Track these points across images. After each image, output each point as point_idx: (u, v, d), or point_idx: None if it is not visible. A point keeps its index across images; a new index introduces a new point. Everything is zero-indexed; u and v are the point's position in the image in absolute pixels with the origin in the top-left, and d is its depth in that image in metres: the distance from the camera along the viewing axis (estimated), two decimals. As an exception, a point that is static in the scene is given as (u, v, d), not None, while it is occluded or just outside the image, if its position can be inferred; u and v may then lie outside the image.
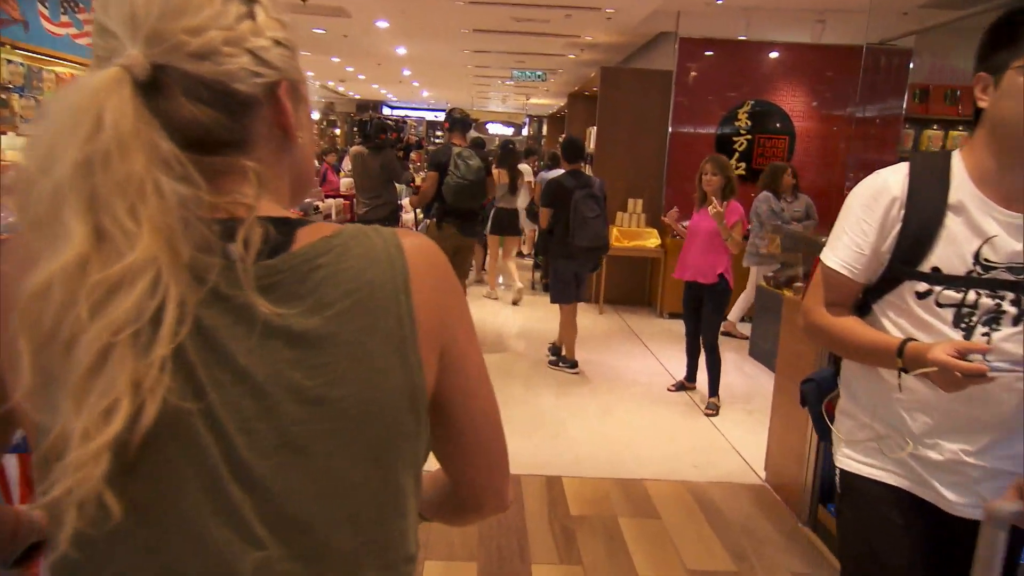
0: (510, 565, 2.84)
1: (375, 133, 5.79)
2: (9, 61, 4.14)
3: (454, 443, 0.76)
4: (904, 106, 6.81)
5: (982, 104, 1.34)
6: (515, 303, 7.58)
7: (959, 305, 1.37)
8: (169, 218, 0.56)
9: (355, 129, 9.40)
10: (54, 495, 0.53)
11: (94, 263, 0.54)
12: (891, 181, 1.41)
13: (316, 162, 6.82)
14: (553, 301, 5.28)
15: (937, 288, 1.37)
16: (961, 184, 1.37)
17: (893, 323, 1.44)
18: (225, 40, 0.61)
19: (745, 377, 5.43)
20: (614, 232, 7.51)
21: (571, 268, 5.11)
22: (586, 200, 4.96)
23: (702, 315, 4.68)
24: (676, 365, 5.36)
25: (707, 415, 4.57)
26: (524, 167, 9.52)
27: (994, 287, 1.35)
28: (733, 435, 4.26)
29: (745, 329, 6.35)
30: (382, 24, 9.34)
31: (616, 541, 3.04)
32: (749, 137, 7.49)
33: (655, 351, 5.99)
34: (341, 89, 20.82)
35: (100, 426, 0.53)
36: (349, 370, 0.62)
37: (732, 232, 4.50)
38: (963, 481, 1.39)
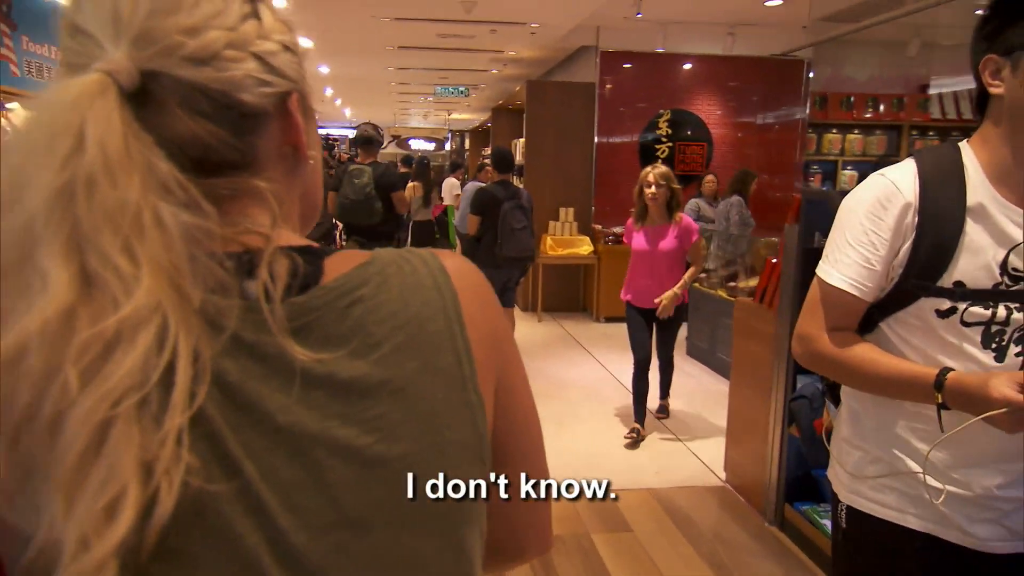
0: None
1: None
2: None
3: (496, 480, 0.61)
4: (807, 112, 6.99)
5: (995, 90, 1.11)
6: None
7: (988, 323, 1.14)
8: (173, 254, 0.44)
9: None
10: None
11: (82, 316, 0.41)
12: (901, 183, 1.17)
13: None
14: None
15: (962, 305, 1.14)
16: (978, 184, 1.15)
17: (909, 345, 1.20)
18: (228, 42, 0.49)
19: (688, 376, 5.32)
20: (548, 241, 7.40)
21: (500, 277, 4.90)
22: (514, 211, 4.85)
23: (656, 336, 4.07)
24: (618, 368, 5.21)
25: (658, 418, 4.32)
26: (452, 181, 9.31)
27: None
28: (687, 437, 4.12)
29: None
30: (305, 43, 8.90)
31: (592, 559, 2.81)
32: (670, 144, 7.50)
33: (597, 356, 5.82)
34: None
35: (101, 528, 0.39)
36: (408, 422, 0.50)
37: (700, 254, 4.03)
38: (993, 516, 1.18)
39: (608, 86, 7.42)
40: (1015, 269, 1.13)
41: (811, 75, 6.59)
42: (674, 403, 4.53)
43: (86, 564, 0.39)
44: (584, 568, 2.76)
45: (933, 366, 1.14)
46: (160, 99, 0.47)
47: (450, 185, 9.15)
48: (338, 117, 20.99)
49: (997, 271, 1.13)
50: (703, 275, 5.77)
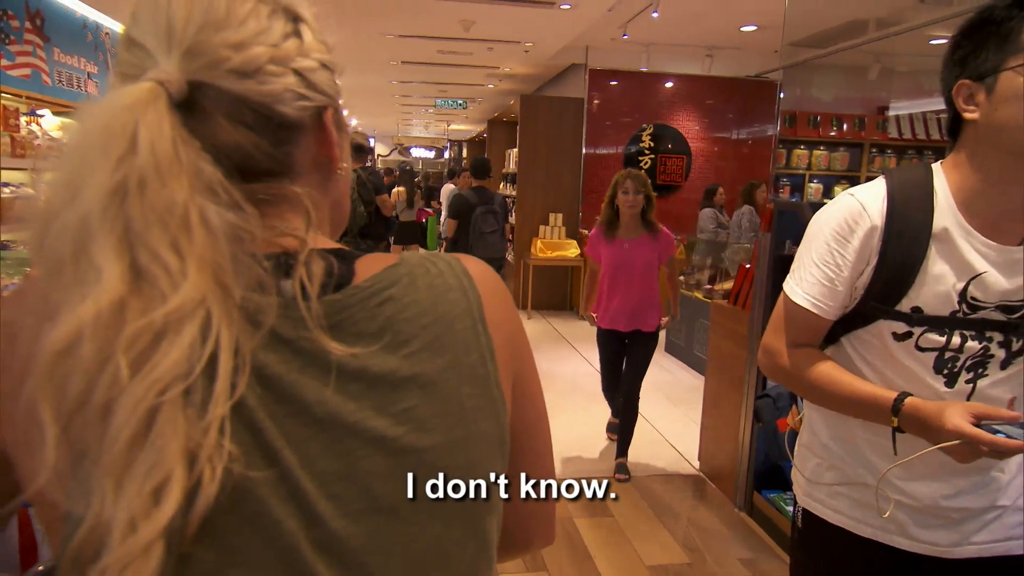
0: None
1: None
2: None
3: (509, 475, 0.59)
4: (778, 129, 7.01)
5: (970, 115, 1.02)
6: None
7: (942, 349, 1.07)
8: (218, 252, 0.43)
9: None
10: None
11: (132, 308, 0.40)
12: (869, 206, 1.08)
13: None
14: None
15: (918, 330, 1.07)
16: (946, 209, 1.06)
17: (866, 362, 1.14)
18: (271, 58, 0.49)
19: (666, 372, 5.32)
20: (538, 244, 7.39)
21: None
22: (485, 216, 4.83)
23: (628, 362, 3.40)
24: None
25: (619, 480, 3.35)
26: (450, 187, 9.28)
27: (981, 328, 1.06)
28: (664, 428, 4.11)
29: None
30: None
31: (576, 543, 2.80)
32: (653, 156, 7.50)
33: (582, 351, 5.81)
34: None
35: (149, 511, 0.39)
36: (436, 415, 0.49)
37: (677, 269, 3.51)
38: (944, 523, 1.13)
39: (596, 101, 7.41)
40: (974, 298, 1.06)
41: (782, 95, 6.61)
42: (653, 396, 4.50)
43: (134, 545, 0.38)
44: (568, 551, 2.75)
45: (887, 386, 1.09)
46: (206, 108, 0.47)
47: (448, 191, 9.13)
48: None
49: (956, 299, 1.06)
50: (680, 277, 5.77)
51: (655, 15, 5.62)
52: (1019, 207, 1.04)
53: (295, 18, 0.52)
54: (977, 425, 0.93)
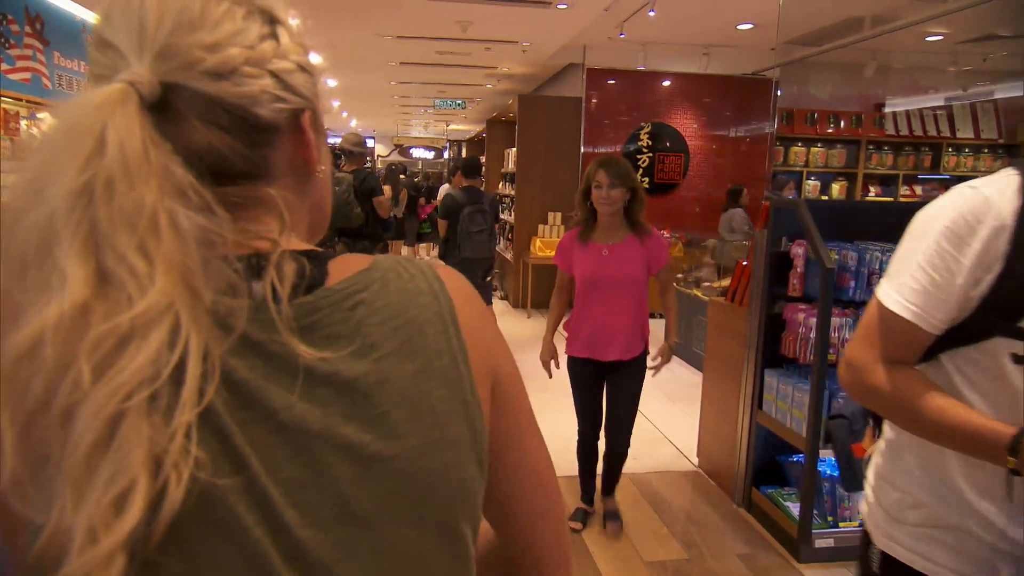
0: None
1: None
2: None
3: (501, 490, 0.58)
4: (775, 126, 7.00)
5: None
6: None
7: None
8: (187, 256, 0.42)
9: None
10: None
11: (97, 312, 0.39)
12: (996, 201, 0.89)
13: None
14: None
15: None
16: None
17: (973, 387, 0.95)
18: (246, 59, 0.48)
19: (664, 369, 5.30)
20: (536, 242, 7.38)
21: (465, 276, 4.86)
22: (473, 216, 4.83)
23: (612, 402, 2.68)
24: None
25: (610, 531, 2.81)
26: (446, 187, 9.27)
27: None
28: (663, 424, 4.11)
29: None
30: (315, 58, 8.83)
31: (574, 539, 2.80)
32: (651, 155, 7.47)
33: (582, 348, 5.80)
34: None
35: (110, 520, 0.37)
36: (407, 420, 0.48)
37: (672, 280, 2.84)
38: None
39: (593, 100, 7.39)
40: None
41: (778, 93, 6.58)
42: (652, 393, 4.47)
43: (94, 556, 0.37)
44: (568, 546, 2.74)
45: (998, 417, 0.91)
46: (179, 110, 0.46)
47: (443, 191, 9.13)
48: (344, 127, 20.90)
49: None
50: (679, 276, 5.77)
51: (652, 14, 5.61)
52: None
53: (272, 20, 0.51)
54: None
